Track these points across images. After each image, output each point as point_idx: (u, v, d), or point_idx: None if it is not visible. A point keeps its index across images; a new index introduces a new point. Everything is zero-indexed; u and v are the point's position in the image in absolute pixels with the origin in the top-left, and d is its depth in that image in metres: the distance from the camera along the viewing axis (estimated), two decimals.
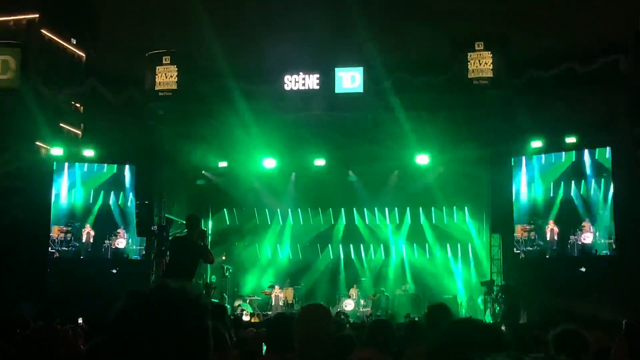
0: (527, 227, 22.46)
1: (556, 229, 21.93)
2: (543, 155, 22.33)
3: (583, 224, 21.52)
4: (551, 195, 22.20)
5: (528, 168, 22.50)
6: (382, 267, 26.80)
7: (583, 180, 21.63)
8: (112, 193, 24.13)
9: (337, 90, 22.24)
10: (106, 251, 23.86)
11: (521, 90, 21.65)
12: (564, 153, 21.93)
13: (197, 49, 23.88)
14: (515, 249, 22.53)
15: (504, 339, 2.70)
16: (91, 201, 24.07)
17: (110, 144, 23.96)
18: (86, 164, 24.00)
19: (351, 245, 27.14)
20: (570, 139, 21.48)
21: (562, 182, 21.95)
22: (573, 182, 21.75)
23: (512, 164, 22.66)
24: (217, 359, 4.25)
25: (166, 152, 23.90)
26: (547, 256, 22.06)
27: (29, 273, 22.14)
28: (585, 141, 21.36)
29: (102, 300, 19.53)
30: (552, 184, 22.15)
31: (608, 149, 20.95)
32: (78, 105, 27.05)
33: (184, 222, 17.21)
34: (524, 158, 22.58)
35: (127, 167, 24.07)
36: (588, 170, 21.55)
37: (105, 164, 24.06)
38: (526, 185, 22.57)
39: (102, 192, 24.09)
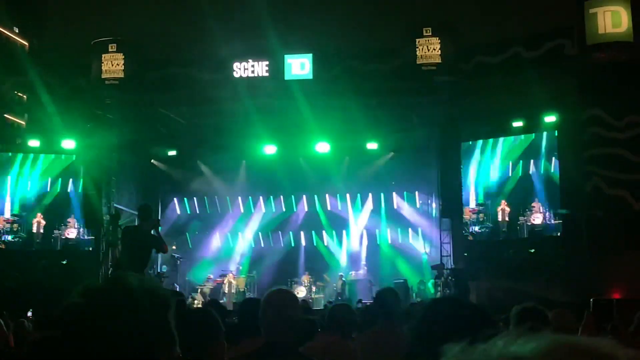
0: (475, 208, 22.71)
1: (507, 209, 22.19)
2: (492, 140, 22.62)
3: (533, 204, 21.80)
4: (506, 174, 22.43)
5: (478, 152, 22.76)
6: (335, 253, 26.89)
7: (534, 160, 21.90)
8: (69, 180, 23.71)
9: (286, 77, 22.19)
10: (55, 242, 23.43)
11: (469, 76, 21.87)
12: (513, 137, 22.25)
13: (144, 37, 23.57)
14: (463, 232, 22.82)
15: (489, 316, 2.70)
16: (46, 189, 23.64)
17: (56, 133, 23.52)
18: (32, 155, 23.56)
19: (302, 232, 27.16)
20: (517, 123, 21.79)
21: (520, 162, 22.19)
22: (529, 161, 21.98)
23: (461, 148, 22.89)
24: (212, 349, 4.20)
25: (114, 141, 23.54)
26: (500, 238, 22.35)
27: None
28: (533, 125, 21.69)
29: (50, 292, 19.36)
30: (508, 163, 22.37)
31: (555, 132, 21.33)
32: (22, 94, 26.46)
33: (135, 212, 17.05)
34: (472, 143, 22.84)
35: (80, 157, 23.65)
36: (542, 150, 21.83)
37: (52, 155, 23.64)
38: (476, 169, 22.82)
39: (59, 180, 23.68)
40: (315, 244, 27.13)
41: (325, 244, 27.11)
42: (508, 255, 21.55)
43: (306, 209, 27.16)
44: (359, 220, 26.83)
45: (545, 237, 21.59)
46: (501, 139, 22.51)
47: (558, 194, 21.21)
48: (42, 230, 23.41)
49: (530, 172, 21.95)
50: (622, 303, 16.62)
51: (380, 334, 6.33)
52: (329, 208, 26.99)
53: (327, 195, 26.75)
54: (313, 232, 27.14)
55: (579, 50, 20.29)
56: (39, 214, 23.45)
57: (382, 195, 26.33)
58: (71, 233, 23.52)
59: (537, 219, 21.72)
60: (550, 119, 21.17)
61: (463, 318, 2.53)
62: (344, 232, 26.92)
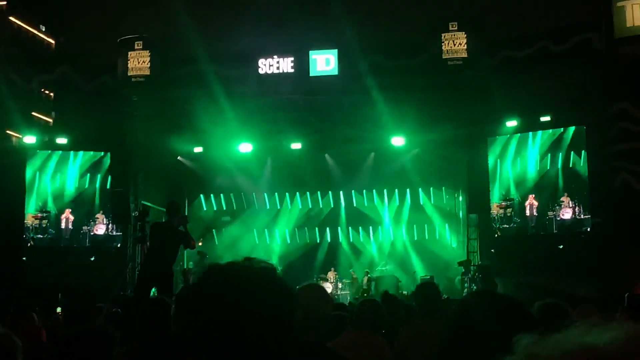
0: (503, 203, 22.52)
1: (535, 204, 21.95)
2: (519, 135, 22.42)
3: (562, 198, 21.54)
4: (534, 168, 22.17)
5: (505, 147, 22.57)
6: (362, 249, 26.87)
7: (562, 154, 21.62)
8: (98, 176, 23.85)
9: (311, 73, 22.17)
10: (84, 238, 23.57)
11: (495, 70, 21.74)
12: (540, 132, 22.04)
13: (170, 34, 23.65)
14: (492, 228, 22.65)
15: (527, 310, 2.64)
16: (74, 185, 23.77)
17: (83, 131, 23.69)
18: (61, 152, 23.74)
19: (327, 229, 27.16)
20: (545, 118, 21.58)
21: (548, 155, 21.90)
22: (557, 155, 21.70)
23: (488, 144, 22.73)
24: None
25: (140, 138, 23.66)
26: (528, 234, 22.12)
27: (4, 262, 21.87)
28: (560, 120, 21.49)
29: (79, 288, 19.51)
30: (536, 157, 22.10)
31: (583, 127, 21.11)
32: (49, 92, 26.68)
33: (162, 208, 17.11)
34: (499, 138, 22.67)
35: (107, 154, 23.80)
36: (569, 144, 21.55)
37: (81, 152, 23.81)
38: (502, 164, 22.65)
39: (87, 176, 23.82)
40: (340, 241, 27.11)
41: (351, 240, 27.07)
42: (536, 252, 21.35)
43: (332, 205, 27.14)
44: (384, 216, 26.76)
45: (574, 232, 21.29)
46: (529, 134, 22.28)
47: (586, 188, 20.99)
48: (70, 226, 23.56)
49: (558, 165, 21.69)
50: None
51: (421, 327, 6.28)
52: (354, 204, 26.95)
53: (352, 192, 26.70)
54: (339, 229, 27.12)
55: (606, 44, 20.08)
56: (67, 210, 23.60)
57: (408, 191, 26.23)
58: (100, 229, 23.66)
59: (566, 213, 21.43)
60: (577, 113, 20.95)
61: (502, 312, 2.48)
62: (370, 228, 26.87)
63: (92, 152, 23.84)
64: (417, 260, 25.78)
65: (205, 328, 1.85)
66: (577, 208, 21.33)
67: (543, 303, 4.94)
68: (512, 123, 22.15)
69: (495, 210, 22.58)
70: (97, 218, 23.68)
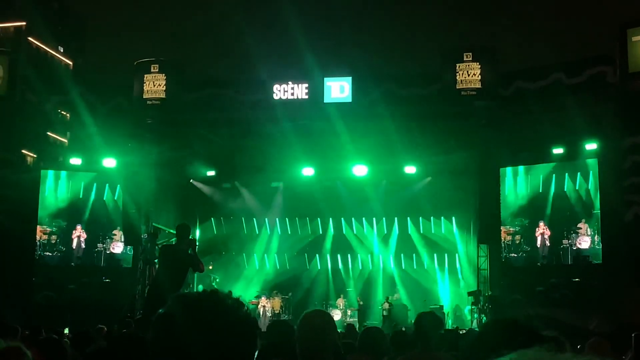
0: (511, 229, 22.28)
1: (547, 232, 21.57)
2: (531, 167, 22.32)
3: (579, 225, 21.12)
4: (540, 190, 21.81)
5: (516, 178, 22.48)
6: (370, 277, 26.78)
7: (579, 173, 21.20)
8: (111, 196, 23.75)
9: (326, 100, 22.26)
10: (99, 257, 23.40)
11: (509, 101, 21.77)
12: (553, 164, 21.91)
13: (186, 58, 23.90)
14: (501, 257, 22.48)
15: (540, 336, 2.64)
16: (88, 205, 23.64)
17: (97, 152, 23.81)
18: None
19: (339, 255, 27.12)
20: (557, 150, 21.53)
21: (554, 175, 21.58)
22: (567, 175, 21.31)
23: (500, 174, 22.66)
24: None
25: (154, 160, 23.75)
26: (538, 264, 21.86)
27: (14, 281, 21.92)
28: (573, 152, 21.42)
29: (89, 309, 19.54)
30: (541, 178, 21.77)
31: (595, 160, 21.01)
32: (64, 113, 26.87)
33: (172, 231, 17.16)
34: (511, 169, 22.59)
35: (121, 174, 23.80)
36: (582, 166, 21.26)
37: (94, 173, 23.89)
38: (513, 190, 22.46)
39: (94, 187, 23.71)
40: (350, 268, 27.05)
41: (361, 267, 27.00)
42: (548, 284, 21.02)
43: (343, 232, 27.11)
44: (396, 244, 26.68)
45: (590, 264, 20.71)
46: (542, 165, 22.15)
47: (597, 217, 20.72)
48: (83, 245, 23.41)
49: (574, 191, 21.29)
50: None
51: (418, 357, 6.28)
52: (365, 231, 26.91)
53: (363, 219, 26.68)
54: (349, 255, 27.07)
55: (620, 78, 20.10)
56: (78, 227, 23.48)
57: (420, 219, 26.18)
58: (117, 247, 23.45)
59: (584, 242, 20.87)
60: (591, 146, 20.89)
61: (518, 341, 2.49)
62: (381, 256, 26.79)
63: (105, 173, 23.83)
64: (426, 289, 25.64)
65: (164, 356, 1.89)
66: (596, 237, 20.74)
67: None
68: (524, 154, 22.11)
69: (502, 236, 22.41)
70: (114, 235, 23.56)
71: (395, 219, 26.40)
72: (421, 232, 26.32)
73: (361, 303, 24.75)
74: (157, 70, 23.00)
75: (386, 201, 25.41)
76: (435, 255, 26.08)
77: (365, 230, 26.90)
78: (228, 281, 26.47)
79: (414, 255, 26.42)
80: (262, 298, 24.56)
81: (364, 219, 26.68)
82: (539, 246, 21.76)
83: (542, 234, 21.69)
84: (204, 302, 1.96)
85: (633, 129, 19.82)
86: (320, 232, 27.26)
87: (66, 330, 16.35)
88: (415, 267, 26.35)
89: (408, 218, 26.24)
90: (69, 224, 23.55)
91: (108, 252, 23.43)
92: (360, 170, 23.92)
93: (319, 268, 27.16)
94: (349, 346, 6.89)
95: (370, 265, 26.92)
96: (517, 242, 22.11)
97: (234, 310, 1.95)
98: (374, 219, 26.60)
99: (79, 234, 23.48)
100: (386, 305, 23.93)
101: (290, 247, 27.40)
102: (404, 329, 13.34)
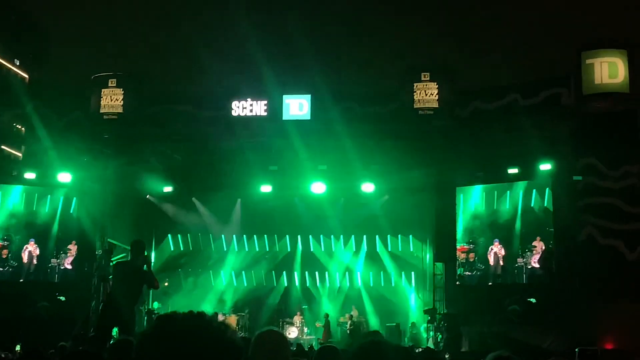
0: (466, 247, 22.41)
1: (502, 252, 21.64)
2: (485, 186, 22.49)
3: (534, 243, 21.22)
4: (495, 208, 22.00)
5: (472, 197, 22.65)
6: (328, 294, 26.77)
7: (534, 191, 21.39)
8: (60, 201, 23.26)
9: (284, 117, 22.27)
10: (52, 273, 22.87)
11: (466, 121, 21.98)
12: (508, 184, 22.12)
13: (144, 73, 23.72)
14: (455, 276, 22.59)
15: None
16: (42, 219, 23.15)
17: (52, 166, 23.48)
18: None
19: (295, 273, 27.08)
20: (513, 170, 21.77)
21: (509, 194, 21.74)
22: (521, 194, 21.47)
23: (457, 193, 22.82)
24: None
25: (110, 175, 23.50)
26: (489, 283, 21.97)
27: None
28: (528, 172, 21.64)
29: (43, 325, 19.18)
30: (496, 197, 21.93)
31: (549, 180, 21.25)
32: (19, 126, 26.53)
33: (128, 247, 16.98)
34: (467, 188, 22.75)
35: (75, 189, 23.41)
36: (539, 186, 21.47)
37: (49, 187, 23.49)
38: (467, 208, 22.62)
39: (48, 201, 23.23)
40: (308, 285, 27.03)
41: (318, 284, 26.99)
42: (503, 302, 21.06)
43: (300, 249, 27.09)
44: (353, 261, 26.74)
45: (544, 282, 20.88)
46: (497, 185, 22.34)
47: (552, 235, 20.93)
48: (35, 261, 22.88)
49: (526, 210, 21.51)
50: (608, 353, 16.56)
51: None
52: (322, 249, 26.92)
53: (321, 236, 26.70)
54: (307, 273, 27.05)
55: (575, 100, 20.43)
56: (31, 241, 22.96)
57: (376, 237, 26.27)
58: (69, 264, 22.93)
59: (537, 262, 20.97)
60: (545, 166, 21.15)
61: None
62: (337, 273, 26.81)
63: (60, 188, 23.44)
64: (383, 307, 25.72)
65: None
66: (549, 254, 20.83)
67: (496, 355, 4.95)
68: (480, 173, 22.32)
69: (458, 254, 22.43)
70: (69, 249, 23.08)
71: (353, 236, 26.42)
72: (377, 250, 26.40)
73: (327, 320, 24.70)
74: (114, 84, 22.79)
75: (344, 219, 25.47)
76: (392, 273, 26.17)
77: (324, 248, 26.88)
78: (184, 297, 26.25)
79: (370, 273, 26.47)
80: (219, 315, 24.37)
81: (321, 236, 26.69)
82: (492, 264, 21.83)
83: (496, 253, 21.80)
84: (190, 323, 1.94)
85: (587, 151, 20.15)
86: (278, 250, 27.21)
87: (17, 347, 16.09)
88: (371, 286, 26.41)
89: (364, 236, 26.29)
90: (21, 238, 23.03)
91: (62, 267, 22.95)
92: (318, 187, 23.95)
93: (275, 285, 27.11)
94: None
95: (327, 283, 26.91)
96: (472, 260, 22.18)
97: (220, 333, 1.94)
98: (332, 236, 26.64)
99: (30, 249, 22.93)
100: (348, 321, 24.02)
101: (248, 264, 27.31)
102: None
